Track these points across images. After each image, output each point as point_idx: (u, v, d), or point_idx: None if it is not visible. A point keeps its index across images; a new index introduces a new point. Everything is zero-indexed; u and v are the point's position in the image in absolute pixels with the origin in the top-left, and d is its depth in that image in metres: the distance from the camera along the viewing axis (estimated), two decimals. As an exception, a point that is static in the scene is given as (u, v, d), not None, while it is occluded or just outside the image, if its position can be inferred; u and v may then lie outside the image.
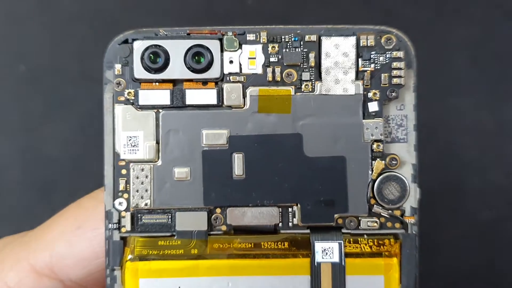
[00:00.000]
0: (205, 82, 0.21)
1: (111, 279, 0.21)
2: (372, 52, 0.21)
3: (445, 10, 0.38)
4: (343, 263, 0.21)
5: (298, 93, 0.21)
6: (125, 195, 0.21)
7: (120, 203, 0.21)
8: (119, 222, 0.21)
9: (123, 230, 0.21)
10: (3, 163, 0.39)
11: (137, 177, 0.21)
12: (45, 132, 0.38)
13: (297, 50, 0.21)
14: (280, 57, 0.21)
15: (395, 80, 0.21)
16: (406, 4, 0.37)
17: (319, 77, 0.21)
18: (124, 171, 0.21)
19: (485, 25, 0.38)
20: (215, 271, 0.21)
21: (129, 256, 0.21)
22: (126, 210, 0.21)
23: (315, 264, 0.21)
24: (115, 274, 0.21)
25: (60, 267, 0.22)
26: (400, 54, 0.21)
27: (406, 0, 0.37)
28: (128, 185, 0.21)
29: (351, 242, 0.21)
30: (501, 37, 0.38)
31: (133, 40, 0.21)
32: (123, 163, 0.21)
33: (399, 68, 0.21)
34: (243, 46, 0.21)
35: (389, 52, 0.21)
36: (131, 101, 0.21)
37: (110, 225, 0.21)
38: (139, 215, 0.21)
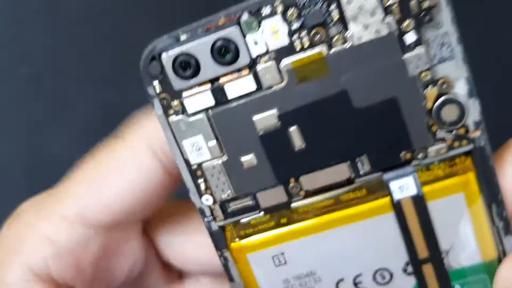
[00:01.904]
0: (238, 71, 0.22)
1: (224, 259, 0.24)
2: None
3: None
4: (421, 194, 0.22)
5: (331, 50, 0.21)
6: (208, 191, 0.23)
7: (206, 199, 0.24)
8: (212, 214, 0.24)
9: (217, 219, 0.24)
10: (5, 165, 0.40)
11: (212, 175, 0.23)
12: (47, 134, 0.39)
13: (316, 8, 0.21)
14: (302, 20, 0.21)
15: (425, 4, 0.20)
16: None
17: (347, 27, 0.21)
18: (199, 172, 0.23)
19: (488, 25, 0.34)
20: (307, 231, 0.23)
21: (232, 240, 0.24)
22: (214, 203, 0.23)
23: (395, 202, 0.22)
24: (225, 255, 0.24)
25: (89, 214, 0.24)
26: None
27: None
28: (207, 182, 0.23)
29: (424, 171, 0.22)
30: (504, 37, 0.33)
31: (159, 54, 0.22)
32: (195, 166, 0.23)
33: None
34: (262, 23, 0.21)
35: None
36: (181, 111, 0.22)
37: (205, 218, 0.24)
38: (226, 204, 0.23)
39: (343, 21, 0.21)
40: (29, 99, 0.39)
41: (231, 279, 0.24)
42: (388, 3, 0.20)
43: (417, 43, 0.20)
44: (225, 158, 0.23)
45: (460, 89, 0.21)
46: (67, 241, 0.24)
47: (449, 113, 0.21)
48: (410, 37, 0.21)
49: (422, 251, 0.22)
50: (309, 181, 0.23)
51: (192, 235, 0.26)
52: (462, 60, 0.21)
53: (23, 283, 0.24)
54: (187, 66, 0.22)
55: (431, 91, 0.21)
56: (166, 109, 0.23)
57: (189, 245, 0.26)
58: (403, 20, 0.20)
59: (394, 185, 0.22)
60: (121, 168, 0.24)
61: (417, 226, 0.22)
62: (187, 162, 0.23)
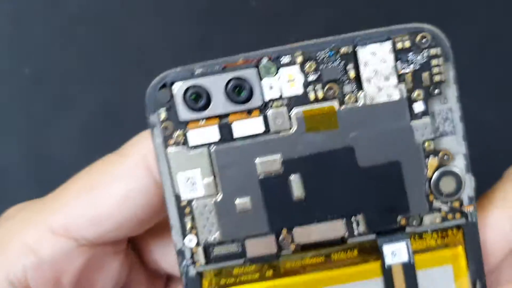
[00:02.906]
0: (249, 111, 0.22)
1: None
2: (409, 53, 0.21)
3: (447, 10, 0.37)
4: (412, 261, 0.21)
5: (342, 107, 0.22)
6: (194, 231, 0.22)
7: (190, 240, 0.22)
8: (192, 257, 0.22)
9: (197, 264, 0.22)
10: (7, 165, 0.39)
11: (202, 214, 0.22)
12: (49, 134, 0.38)
13: (334, 64, 0.21)
14: (318, 74, 0.21)
15: (436, 78, 0.21)
16: (410, 4, 0.36)
17: (360, 87, 0.21)
18: (188, 210, 0.22)
19: (488, 24, 0.37)
20: None
21: None
22: (197, 245, 0.22)
23: (386, 267, 0.22)
24: None
25: (75, 227, 0.22)
26: (437, 50, 0.21)
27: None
28: (194, 221, 0.22)
29: (416, 239, 0.22)
30: (505, 36, 0.37)
31: (171, 83, 0.22)
32: (185, 202, 0.22)
33: (438, 65, 0.21)
34: (280, 69, 0.22)
35: (426, 51, 0.21)
36: (182, 142, 0.22)
37: (184, 261, 0.22)
38: (210, 248, 0.22)
39: (358, 81, 0.21)
40: (30, 99, 0.38)
41: None
42: (402, 72, 0.21)
43: (424, 113, 0.21)
44: (219, 197, 0.22)
45: (459, 163, 0.22)
46: (49, 252, 0.22)
47: (447, 185, 0.22)
48: (418, 106, 0.22)
49: None
50: (302, 234, 0.22)
51: None
52: (462, 138, 0.22)
53: None
54: (198, 98, 0.22)
55: (432, 161, 0.22)
56: (166, 138, 0.22)
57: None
58: (414, 89, 0.21)
59: (387, 249, 0.22)
60: (113, 182, 0.22)
61: None
62: (177, 197, 0.22)
